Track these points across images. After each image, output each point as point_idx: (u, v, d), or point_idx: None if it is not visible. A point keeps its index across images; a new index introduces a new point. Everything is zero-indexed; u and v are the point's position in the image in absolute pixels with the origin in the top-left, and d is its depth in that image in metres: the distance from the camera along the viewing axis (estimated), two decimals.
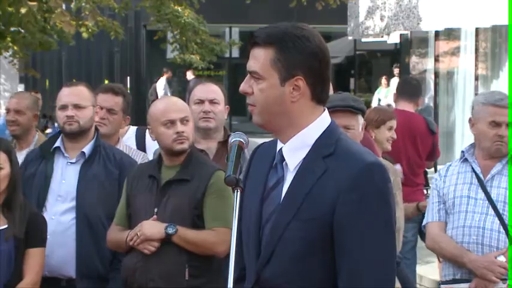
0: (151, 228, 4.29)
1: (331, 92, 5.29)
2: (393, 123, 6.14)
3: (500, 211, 4.53)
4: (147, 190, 4.39)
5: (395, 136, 6.14)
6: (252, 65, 2.72)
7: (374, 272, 2.61)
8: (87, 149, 4.80)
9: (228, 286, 2.56)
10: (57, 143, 4.84)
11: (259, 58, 2.70)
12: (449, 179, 4.71)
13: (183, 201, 4.32)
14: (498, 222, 4.53)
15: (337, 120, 4.18)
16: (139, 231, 4.30)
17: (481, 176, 4.62)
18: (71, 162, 4.80)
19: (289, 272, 2.66)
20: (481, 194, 4.59)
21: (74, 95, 4.83)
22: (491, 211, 4.55)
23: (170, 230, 4.27)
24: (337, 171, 2.64)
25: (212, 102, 4.90)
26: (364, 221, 2.61)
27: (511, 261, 4.50)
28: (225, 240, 4.19)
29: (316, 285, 2.65)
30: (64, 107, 4.80)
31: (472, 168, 4.65)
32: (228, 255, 2.71)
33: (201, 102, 4.88)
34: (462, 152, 4.74)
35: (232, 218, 4.39)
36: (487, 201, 4.57)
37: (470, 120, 4.69)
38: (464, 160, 4.70)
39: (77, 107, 4.78)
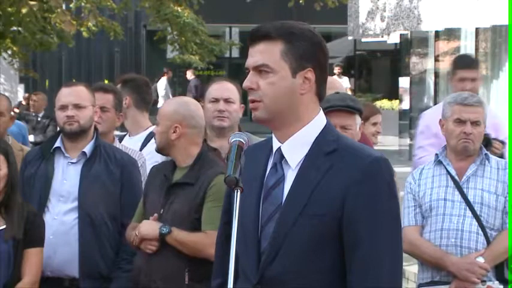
0: (148, 227, 4.31)
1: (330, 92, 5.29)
2: (377, 118, 6.23)
3: (478, 212, 4.56)
4: (158, 190, 4.40)
5: (380, 130, 6.23)
6: (258, 59, 2.72)
7: (385, 264, 2.63)
8: (87, 148, 4.79)
9: (228, 286, 2.55)
10: (57, 143, 4.83)
11: (268, 51, 2.71)
12: (424, 182, 4.72)
13: (183, 205, 4.32)
14: (476, 223, 4.55)
15: (335, 120, 4.21)
16: (137, 230, 4.33)
17: (456, 178, 4.64)
18: (72, 162, 4.79)
19: (296, 269, 2.67)
20: (458, 196, 4.62)
21: (73, 95, 4.82)
22: (468, 213, 4.57)
23: (164, 230, 4.28)
24: (343, 166, 2.66)
25: (227, 101, 4.87)
26: (374, 214, 2.63)
27: (511, 263, 4.52)
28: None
29: (323, 281, 2.66)
30: (64, 107, 4.78)
31: (447, 170, 4.67)
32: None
33: (216, 101, 4.83)
34: (436, 154, 4.76)
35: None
36: (464, 203, 4.60)
37: (440, 121, 4.76)
38: (438, 163, 4.72)
39: (76, 106, 4.76)
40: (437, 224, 4.62)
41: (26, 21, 13.15)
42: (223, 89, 4.92)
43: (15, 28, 13.98)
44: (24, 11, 12.83)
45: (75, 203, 4.69)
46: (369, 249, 2.62)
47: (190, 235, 4.30)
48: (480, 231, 4.55)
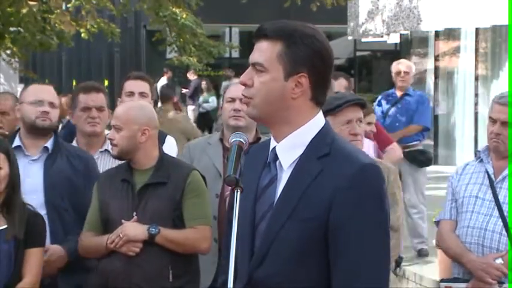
0: (134, 229, 4.32)
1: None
2: (372, 118, 6.32)
3: (505, 213, 4.48)
4: (122, 195, 4.41)
5: (374, 130, 6.29)
6: (256, 56, 2.71)
7: (368, 272, 2.60)
8: (49, 143, 4.82)
9: (228, 286, 2.55)
10: (16, 142, 4.84)
11: (266, 51, 2.69)
12: (463, 177, 4.68)
13: (162, 204, 4.36)
14: (501, 224, 4.48)
15: (353, 114, 4.32)
16: (122, 232, 4.32)
17: (492, 176, 4.58)
18: (33, 160, 4.80)
19: (283, 273, 2.65)
20: (489, 195, 4.55)
21: (49, 92, 4.88)
22: (495, 212, 4.50)
23: (153, 231, 4.31)
24: (333, 171, 2.63)
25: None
26: (359, 222, 2.60)
27: (511, 264, 4.47)
28: (207, 237, 4.41)
29: (311, 286, 2.64)
30: (40, 102, 4.80)
31: (486, 168, 4.61)
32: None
33: (233, 100, 4.86)
34: (478, 151, 4.71)
35: (211, 214, 4.49)
36: (493, 203, 4.53)
37: None
38: (481, 160, 4.66)
39: (51, 105, 4.83)
40: (465, 221, 4.58)
41: (26, 21, 13.14)
42: (240, 89, 4.95)
43: (15, 28, 13.97)
44: (24, 11, 12.82)
45: (41, 199, 4.69)
46: (351, 258, 2.59)
47: (180, 232, 4.36)
48: (504, 232, 4.47)
